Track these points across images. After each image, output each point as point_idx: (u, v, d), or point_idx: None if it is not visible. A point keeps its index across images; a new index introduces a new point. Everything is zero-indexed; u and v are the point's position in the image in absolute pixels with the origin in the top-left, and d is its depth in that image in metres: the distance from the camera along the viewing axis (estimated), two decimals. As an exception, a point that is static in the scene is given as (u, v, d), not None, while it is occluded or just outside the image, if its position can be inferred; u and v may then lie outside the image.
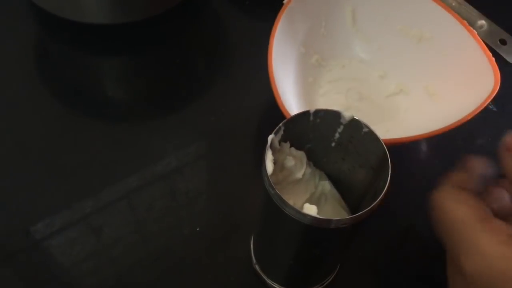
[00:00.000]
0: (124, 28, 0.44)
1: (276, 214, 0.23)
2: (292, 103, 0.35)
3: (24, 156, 0.38)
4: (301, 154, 0.28)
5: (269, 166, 0.23)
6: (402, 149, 0.40)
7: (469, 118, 0.34)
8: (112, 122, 0.41)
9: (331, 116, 0.25)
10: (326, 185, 0.29)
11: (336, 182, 0.30)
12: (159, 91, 0.44)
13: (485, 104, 0.34)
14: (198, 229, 0.35)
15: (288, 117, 0.33)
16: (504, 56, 0.47)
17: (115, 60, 0.46)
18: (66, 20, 0.42)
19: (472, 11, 0.49)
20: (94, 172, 0.37)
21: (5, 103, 0.41)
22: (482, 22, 0.49)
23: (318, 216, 0.22)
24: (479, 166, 0.26)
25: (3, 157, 0.38)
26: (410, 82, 0.41)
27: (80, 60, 0.45)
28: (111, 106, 0.43)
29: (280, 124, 0.24)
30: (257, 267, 0.32)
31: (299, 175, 0.28)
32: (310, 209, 0.22)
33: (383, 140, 0.24)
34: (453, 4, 0.49)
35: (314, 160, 0.29)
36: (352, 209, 0.29)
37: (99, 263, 0.33)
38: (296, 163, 0.27)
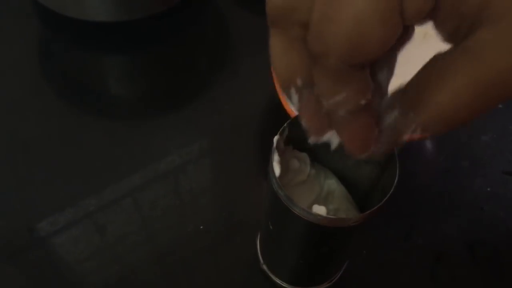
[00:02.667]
0: (127, 26, 0.44)
1: (285, 215, 0.23)
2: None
3: (28, 154, 0.38)
4: (304, 155, 0.28)
5: (277, 168, 0.23)
6: (407, 147, 0.39)
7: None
8: (115, 120, 0.41)
9: None
10: (333, 183, 0.29)
11: (341, 178, 0.29)
12: (162, 89, 0.44)
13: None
14: (201, 227, 0.35)
15: (292, 115, 0.33)
16: (509, 52, 0.46)
17: (118, 58, 0.46)
18: (68, 18, 0.42)
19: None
20: (98, 170, 0.37)
21: (9, 101, 0.41)
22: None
23: (329, 216, 0.22)
24: None
25: (7, 155, 0.38)
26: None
27: (83, 58, 0.45)
28: (114, 104, 0.43)
29: (285, 125, 0.24)
30: (264, 267, 0.32)
31: (303, 176, 0.27)
32: (320, 210, 0.22)
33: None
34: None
35: (318, 157, 0.29)
36: (359, 205, 0.29)
37: (103, 261, 0.33)
38: (301, 164, 0.27)
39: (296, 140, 0.26)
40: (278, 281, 0.32)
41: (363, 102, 0.16)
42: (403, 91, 0.17)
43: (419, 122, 0.16)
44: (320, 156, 0.29)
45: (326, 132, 0.19)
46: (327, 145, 0.27)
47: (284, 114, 0.34)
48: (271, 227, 0.27)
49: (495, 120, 0.42)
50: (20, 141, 0.39)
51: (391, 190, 0.22)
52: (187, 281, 0.33)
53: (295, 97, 0.18)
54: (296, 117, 0.25)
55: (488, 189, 0.38)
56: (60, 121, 0.40)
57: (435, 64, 0.15)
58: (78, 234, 0.34)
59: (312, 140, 0.19)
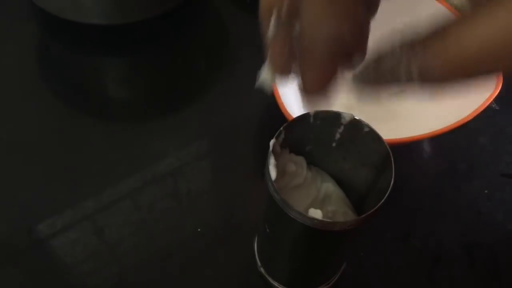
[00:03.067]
0: (125, 28, 0.44)
1: (281, 218, 0.23)
2: (293, 102, 0.35)
3: (26, 156, 0.38)
4: (301, 159, 0.28)
5: (273, 172, 0.23)
6: (405, 149, 0.39)
7: (471, 117, 0.33)
8: (114, 122, 0.41)
9: (331, 117, 0.25)
10: (330, 186, 0.29)
11: (338, 181, 0.30)
12: (160, 91, 0.44)
13: (488, 103, 0.34)
14: (199, 229, 0.35)
15: (289, 118, 0.33)
16: (507, 55, 0.46)
17: (116, 61, 0.46)
18: (66, 20, 0.43)
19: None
20: (96, 172, 0.37)
21: (7, 104, 0.41)
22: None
23: (325, 219, 0.22)
24: None
25: (5, 157, 0.38)
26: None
27: (81, 60, 0.45)
28: (113, 106, 0.43)
29: (281, 128, 0.24)
30: (262, 270, 0.32)
31: (300, 180, 0.28)
32: (316, 213, 0.22)
33: (385, 140, 0.24)
34: (456, 3, 0.49)
35: (315, 160, 0.29)
36: (355, 208, 0.29)
37: (101, 263, 0.33)
38: (297, 168, 0.27)
39: (293, 143, 0.27)
40: (275, 283, 0.32)
41: (349, 40, 0.15)
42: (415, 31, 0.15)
43: (423, 62, 0.14)
44: (317, 159, 0.29)
45: (288, 73, 0.18)
46: (324, 147, 0.28)
47: (282, 116, 0.34)
48: (268, 230, 0.27)
49: (492, 122, 0.42)
50: (18, 144, 0.39)
51: (387, 193, 0.22)
52: (185, 283, 0.33)
53: (271, 29, 0.17)
54: (293, 121, 0.25)
55: (486, 191, 0.38)
56: (58, 123, 0.40)
57: (463, 13, 0.14)
58: (77, 236, 0.34)
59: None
